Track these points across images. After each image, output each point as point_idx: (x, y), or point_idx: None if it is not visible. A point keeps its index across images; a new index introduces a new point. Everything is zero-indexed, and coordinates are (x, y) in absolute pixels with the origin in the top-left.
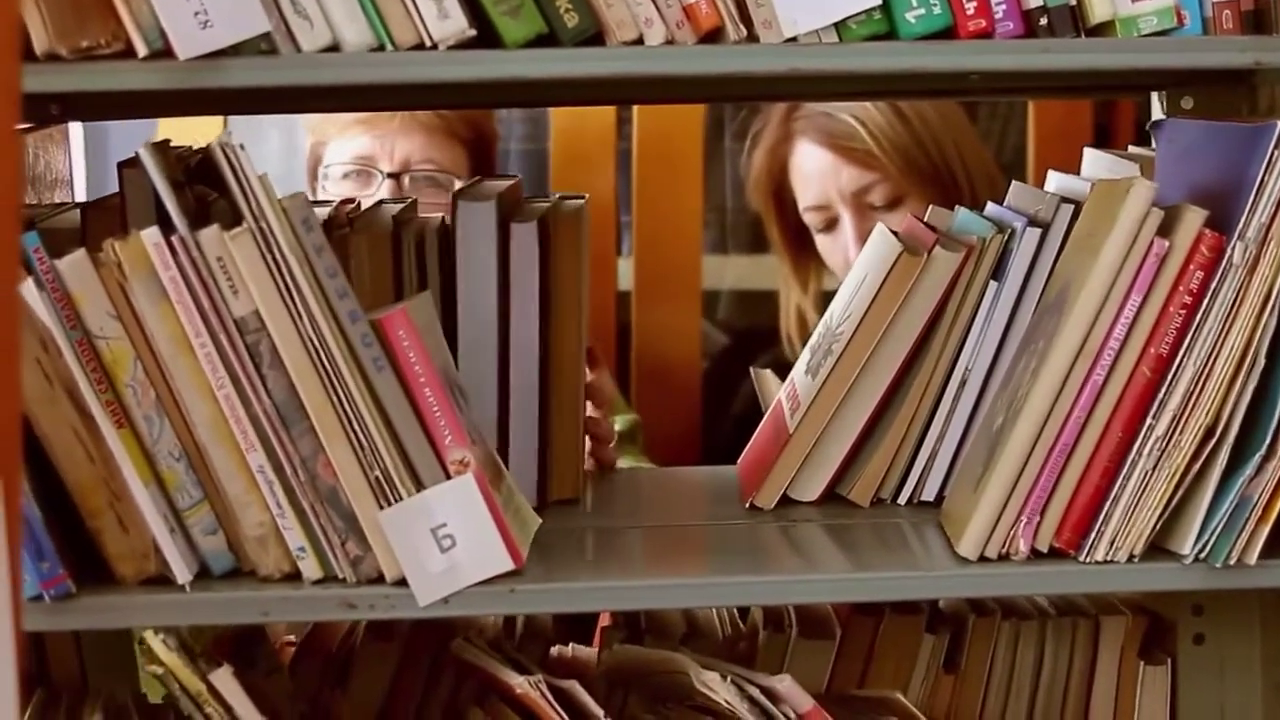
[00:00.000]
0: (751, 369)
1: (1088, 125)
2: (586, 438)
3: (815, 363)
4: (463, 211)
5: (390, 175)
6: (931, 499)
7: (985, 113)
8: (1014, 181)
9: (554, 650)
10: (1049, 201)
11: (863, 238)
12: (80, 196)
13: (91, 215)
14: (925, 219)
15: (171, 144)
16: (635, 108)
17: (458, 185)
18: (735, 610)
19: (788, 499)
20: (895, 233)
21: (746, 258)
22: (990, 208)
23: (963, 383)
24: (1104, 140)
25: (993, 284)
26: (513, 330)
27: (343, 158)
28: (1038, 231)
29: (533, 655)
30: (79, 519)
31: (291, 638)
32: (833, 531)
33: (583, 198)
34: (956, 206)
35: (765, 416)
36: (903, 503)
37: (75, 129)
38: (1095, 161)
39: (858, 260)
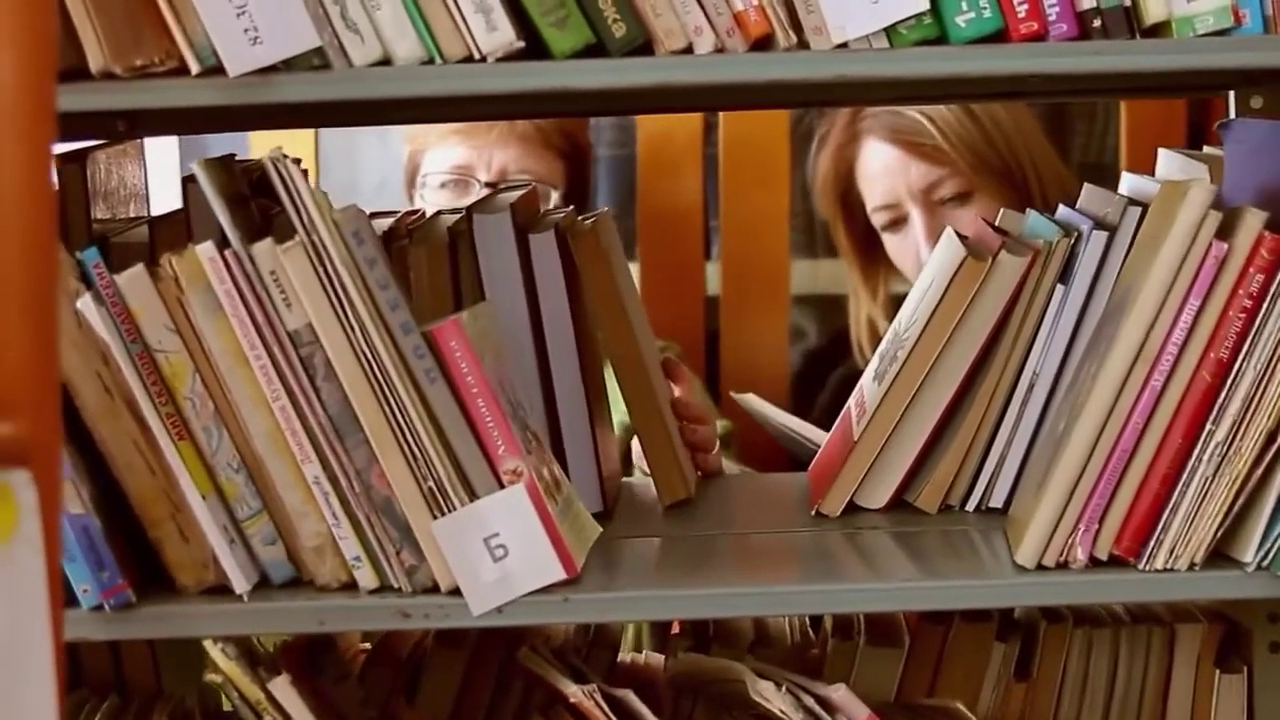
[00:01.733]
0: (731, 393)
1: (1181, 124)
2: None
3: (882, 369)
4: (478, 224)
5: (487, 185)
6: (1000, 505)
7: (1078, 112)
8: (1085, 184)
9: (626, 658)
10: (1116, 204)
11: (933, 235)
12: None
13: (159, 229)
14: (996, 222)
15: (236, 158)
16: (720, 113)
17: (553, 195)
18: (807, 618)
19: (855, 506)
20: (963, 237)
21: (834, 261)
22: (1061, 210)
23: (1030, 387)
24: (1197, 140)
25: (1060, 288)
26: (548, 339)
27: (441, 167)
28: (1104, 235)
29: (601, 663)
30: (142, 529)
31: (367, 645)
32: (895, 539)
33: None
34: (1027, 210)
35: (835, 423)
36: (971, 509)
37: (170, 143)
38: (1169, 162)
39: (926, 265)
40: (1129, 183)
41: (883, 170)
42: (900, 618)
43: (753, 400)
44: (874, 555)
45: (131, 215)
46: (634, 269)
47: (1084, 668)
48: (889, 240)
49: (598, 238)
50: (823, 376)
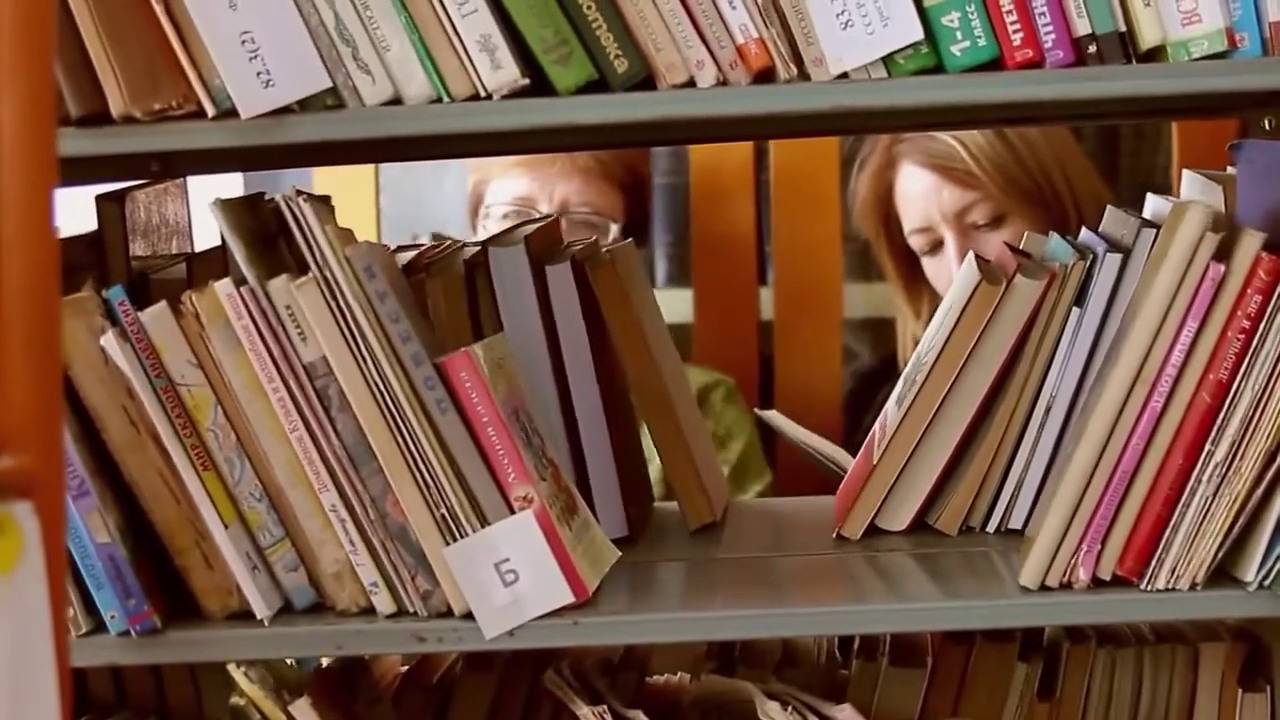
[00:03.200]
0: (755, 410)
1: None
2: None
3: (903, 393)
4: (493, 256)
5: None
6: (1019, 526)
7: (1129, 132)
8: (1109, 206)
9: (660, 679)
10: (1131, 226)
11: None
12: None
13: (196, 265)
14: (1022, 245)
15: (265, 196)
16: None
17: (613, 228)
18: (836, 640)
19: (877, 529)
20: (985, 261)
21: (887, 284)
22: (1084, 234)
23: (1048, 409)
24: None
25: (1075, 311)
26: (568, 368)
27: (503, 198)
28: (1118, 257)
29: (628, 684)
30: (169, 557)
31: (405, 668)
32: (909, 560)
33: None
34: (1050, 232)
35: (862, 446)
36: (991, 530)
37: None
38: (1191, 183)
39: (950, 289)
40: (1152, 204)
41: (918, 194)
42: (926, 638)
43: (775, 417)
44: (883, 576)
45: (174, 252)
46: (688, 295)
47: (1108, 687)
48: (927, 263)
49: (615, 268)
50: (874, 398)
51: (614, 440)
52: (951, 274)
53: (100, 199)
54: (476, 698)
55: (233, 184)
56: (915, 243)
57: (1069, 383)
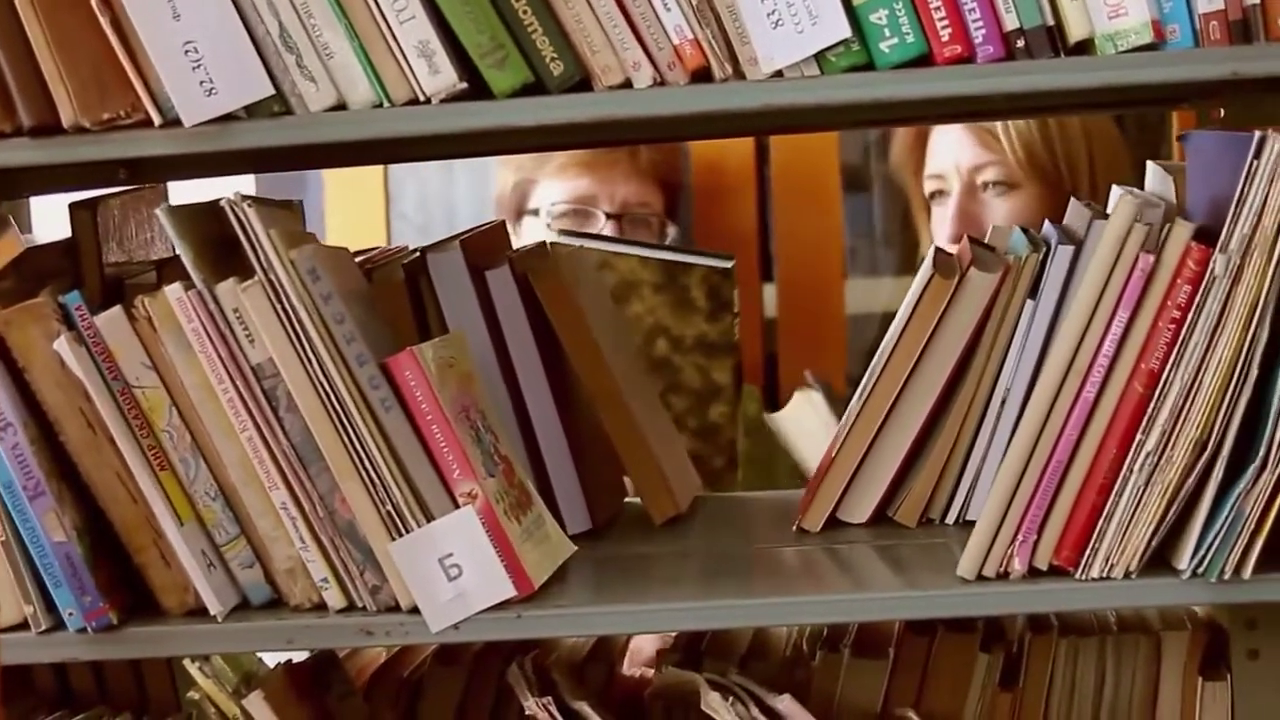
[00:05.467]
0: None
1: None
2: None
3: (863, 385)
4: (431, 262)
5: (610, 216)
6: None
7: (1132, 123)
8: (1071, 198)
9: (635, 672)
10: (1084, 218)
11: (963, 215)
12: None
13: (166, 270)
14: (986, 239)
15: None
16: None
17: (670, 229)
18: (803, 631)
19: (839, 522)
20: (944, 253)
21: (894, 279)
22: (1045, 226)
23: (1003, 402)
24: None
25: (1030, 303)
26: (517, 369)
27: (561, 197)
28: (1070, 249)
29: (596, 678)
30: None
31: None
32: (863, 552)
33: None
34: (1014, 226)
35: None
36: (951, 522)
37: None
38: (1151, 175)
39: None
40: (1115, 196)
41: (943, 142)
42: (890, 629)
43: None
44: (822, 570)
45: (155, 258)
46: None
47: (1071, 677)
48: (935, 210)
49: (559, 273)
50: None
51: (573, 437)
52: (946, 228)
53: (73, 206)
54: (446, 691)
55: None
56: (928, 186)
57: (1024, 375)
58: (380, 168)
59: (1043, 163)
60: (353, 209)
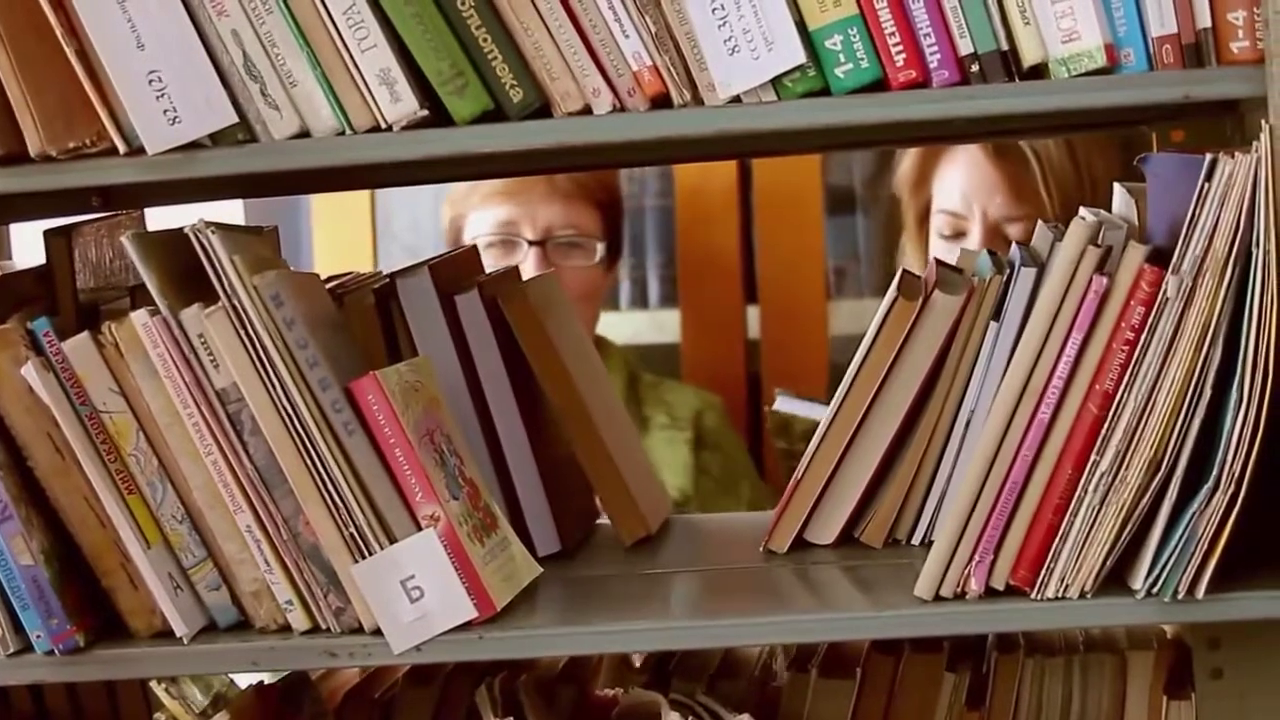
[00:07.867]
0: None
1: None
2: None
3: (829, 408)
4: (400, 287)
5: (533, 243)
6: None
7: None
8: (1039, 221)
9: (609, 692)
10: (1047, 239)
11: None
12: None
13: (139, 296)
14: (956, 261)
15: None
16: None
17: (599, 248)
18: (773, 651)
19: (806, 543)
20: (912, 275)
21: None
22: (1012, 249)
23: (967, 423)
24: None
25: (993, 325)
26: (487, 393)
27: (486, 228)
28: (1033, 271)
29: (566, 698)
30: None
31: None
32: (820, 574)
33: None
34: (981, 248)
35: None
36: (917, 543)
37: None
38: (1117, 196)
39: None
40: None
41: (970, 181)
42: (859, 649)
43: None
44: (787, 590)
45: (131, 284)
46: (675, 315)
47: (1037, 696)
48: (940, 245)
49: (527, 297)
50: None
51: (542, 461)
52: None
53: (48, 233)
54: (417, 712)
55: (233, 211)
56: (939, 222)
57: (987, 396)
58: (367, 196)
59: (1076, 203)
60: (340, 231)
